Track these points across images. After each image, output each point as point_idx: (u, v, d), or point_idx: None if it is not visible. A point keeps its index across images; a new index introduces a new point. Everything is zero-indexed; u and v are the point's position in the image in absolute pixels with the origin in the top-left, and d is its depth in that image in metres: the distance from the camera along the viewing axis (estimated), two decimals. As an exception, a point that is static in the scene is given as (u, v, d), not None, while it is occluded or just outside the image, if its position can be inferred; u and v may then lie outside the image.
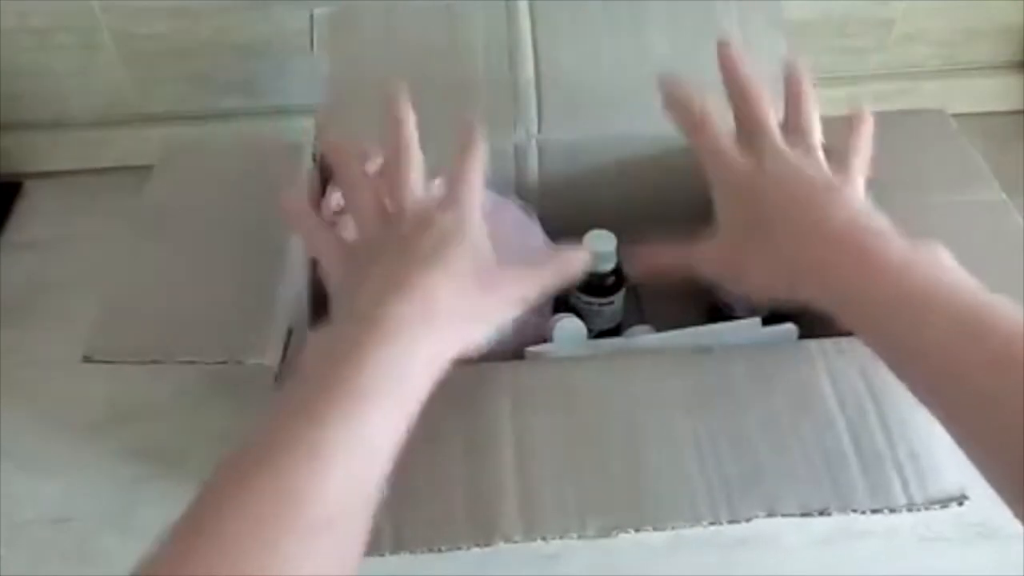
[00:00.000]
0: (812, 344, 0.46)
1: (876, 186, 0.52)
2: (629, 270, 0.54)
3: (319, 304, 0.52)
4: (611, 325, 0.62)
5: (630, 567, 0.55)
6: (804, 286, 0.41)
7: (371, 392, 0.35)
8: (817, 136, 0.46)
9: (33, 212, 0.79)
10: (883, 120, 0.57)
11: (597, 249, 0.58)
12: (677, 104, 0.48)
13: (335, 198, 0.54)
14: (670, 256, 0.49)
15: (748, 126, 0.46)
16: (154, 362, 0.45)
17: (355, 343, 0.36)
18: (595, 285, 0.60)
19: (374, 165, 0.55)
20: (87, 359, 0.45)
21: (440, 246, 0.40)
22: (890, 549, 0.55)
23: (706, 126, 0.46)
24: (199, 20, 0.74)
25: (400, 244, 0.41)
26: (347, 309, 0.39)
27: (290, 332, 0.46)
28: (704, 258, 0.47)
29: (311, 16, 0.56)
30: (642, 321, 0.63)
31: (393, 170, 0.45)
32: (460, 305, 0.39)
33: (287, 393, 0.36)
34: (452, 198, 0.44)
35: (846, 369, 0.44)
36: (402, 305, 0.37)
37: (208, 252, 0.49)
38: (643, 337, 0.57)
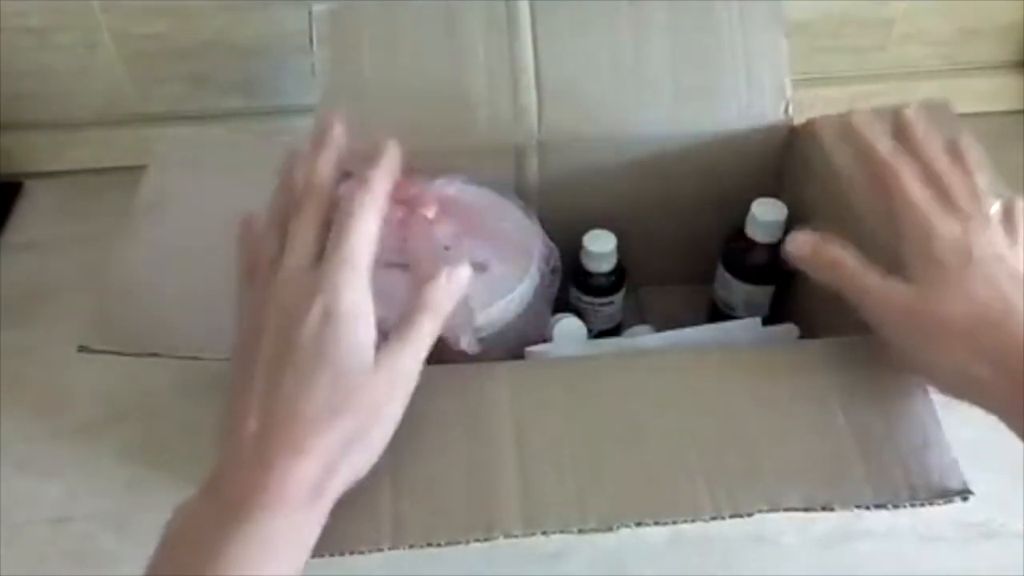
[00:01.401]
0: (812, 344, 0.46)
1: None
2: (793, 248, 0.45)
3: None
4: (611, 325, 0.62)
5: (631, 566, 0.55)
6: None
7: None
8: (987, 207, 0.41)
9: (33, 212, 0.79)
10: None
11: (597, 249, 0.58)
12: (809, 259, 0.44)
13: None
14: (850, 265, 0.43)
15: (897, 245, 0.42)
16: (151, 355, 0.45)
17: (218, 532, 0.33)
18: (595, 285, 0.60)
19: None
20: (83, 349, 0.45)
21: (309, 362, 0.36)
22: (890, 549, 0.55)
23: (840, 266, 0.43)
24: (199, 20, 0.74)
25: (274, 347, 0.37)
26: (216, 467, 0.36)
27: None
28: (884, 299, 0.41)
29: (310, 13, 0.56)
30: (642, 321, 0.63)
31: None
32: (335, 451, 0.36)
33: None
34: (332, 252, 0.38)
35: (847, 367, 0.44)
36: (263, 494, 0.34)
37: (207, 250, 0.49)
38: (643, 337, 0.57)
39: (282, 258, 0.39)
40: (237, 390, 0.37)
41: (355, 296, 0.37)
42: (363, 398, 0.36)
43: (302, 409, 0.35)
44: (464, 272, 0.41)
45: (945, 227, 0.40)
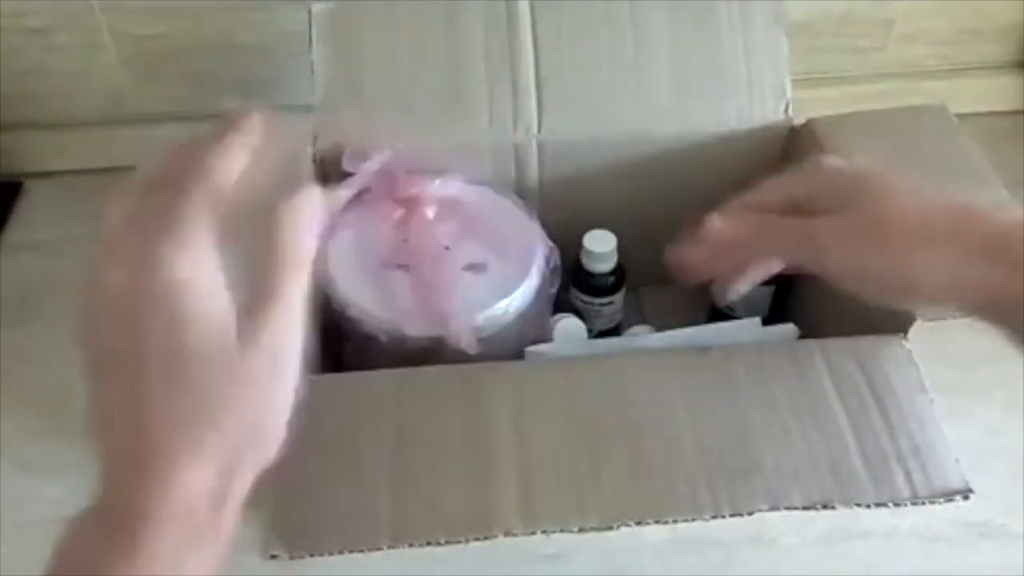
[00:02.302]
0: (812, 343, 0.46)
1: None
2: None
3: (319, 304, 0.52)
4: (611, 325, 0.62)
5: (631, 567, 0.55)
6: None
7: None
8: None
9: (33, 212, 0.79)
10: (884, 116, 0.57)
11: (597, 249, 0.58)
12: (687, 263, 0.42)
13: (335, 197, 0.54)
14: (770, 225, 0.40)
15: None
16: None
17: (104, 552, 0.31)
18: (595, 285, 0.60)
19: (376, 164, 0.55)
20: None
21: (162, 357, 0.31)
22: (890, 549, 0.55)
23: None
24: (199, 20, 0.74)
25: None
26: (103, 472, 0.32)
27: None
28: (836, 231, 0.38)
29: (309, 12, 0.56)
30: (642, 321, 0.63)
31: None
32: (225, 452, 0.31)
33: None
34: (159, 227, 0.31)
35: (846, 366, 0.44)
36: (154, 505, 0.31)
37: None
38: (643, 337, 0.57)
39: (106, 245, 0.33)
40: (95, 427, 0.33)
41: (191, 269, 0.30)
42: (235, 385, 0.31)
43: (171, 412, 0.30)
44: (314, 193, 0.33)
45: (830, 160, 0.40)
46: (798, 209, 0.40)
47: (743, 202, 0.42)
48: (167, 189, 0.32)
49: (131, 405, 0.32)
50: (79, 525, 0.32)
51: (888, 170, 0.40)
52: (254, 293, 0.32)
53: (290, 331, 0.32)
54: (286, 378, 0.32)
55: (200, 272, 0.31)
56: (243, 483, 0.32)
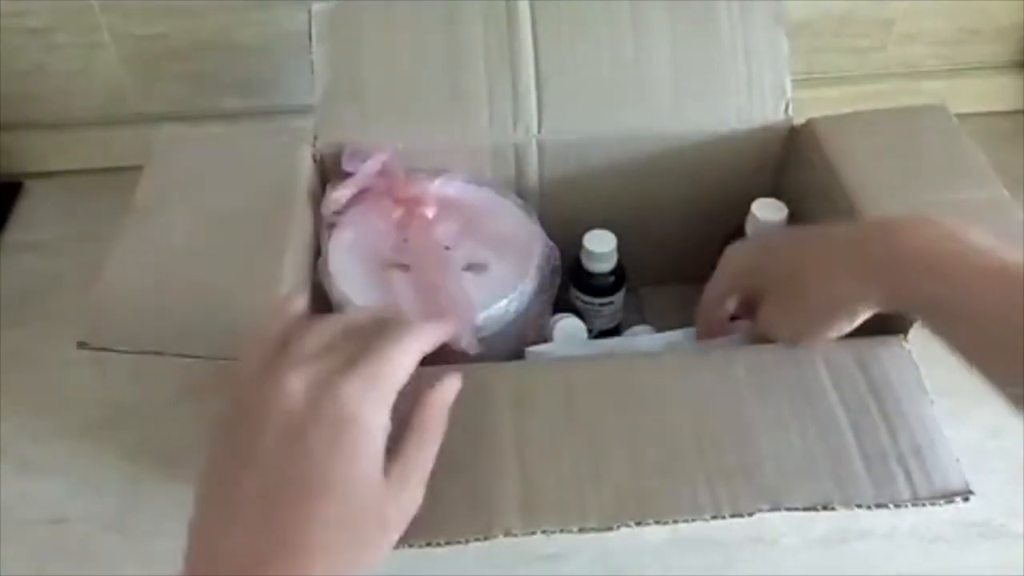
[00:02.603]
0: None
1: (878, 183, 0.52)
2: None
3: (319, 304, 0.52)
4: (611, 325, 0.62)
5: (630, 567, 0.55)
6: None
7: None
8: None
9: (33, 212, 0.79)
10: (884, 116, 0.57)
11: (597, 249, 0.58)
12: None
13: (335, 198, 0.54)
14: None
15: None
16: (152, 353, 0.44)
17: None
18: (595, 285, 0.60)
19: (376, 163, 0.55)
20: (82, 345, 0.45)
21: (316, 483, 0.31)
22: (890, 550, 0.55)
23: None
24: (199, 20, 0.74)
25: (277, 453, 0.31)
26: None
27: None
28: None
29: (309, 11, 0.56)
30: (642, 321, 0.63)
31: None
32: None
33: None
34: (364, 365, 0.33)
35: (846, 366, 0.44)
36: None
37: (206, 251, 0.49)
38: (643, 337, 0.57)
39: (284, 357, 0.33)
40: (217, 512, 0.32)
41: (378, 416, 0.33)
42: (372, 526, 0.33)
43: (303, 541, 0.30)
44: (454, 384, 0.38)
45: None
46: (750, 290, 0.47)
47: (704, 312, 0.50)
48: (373, 335, 0.35)
49: (261, 526, 0.31)
50: None
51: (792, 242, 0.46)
52: (400, 455, 0.34)
53: (417, 503, 0.35)
54: (403, 528, 0.35)
55: (378, 420, 0.33)
56: None
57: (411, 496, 0.35)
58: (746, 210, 0.56)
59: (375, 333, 0.35)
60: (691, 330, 0.51)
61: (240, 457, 0.32)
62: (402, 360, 0.34)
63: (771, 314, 0.45)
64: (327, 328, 0.35)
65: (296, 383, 0.32)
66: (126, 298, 0.47)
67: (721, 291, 0.48)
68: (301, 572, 0.30)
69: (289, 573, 0.30)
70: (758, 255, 0.47)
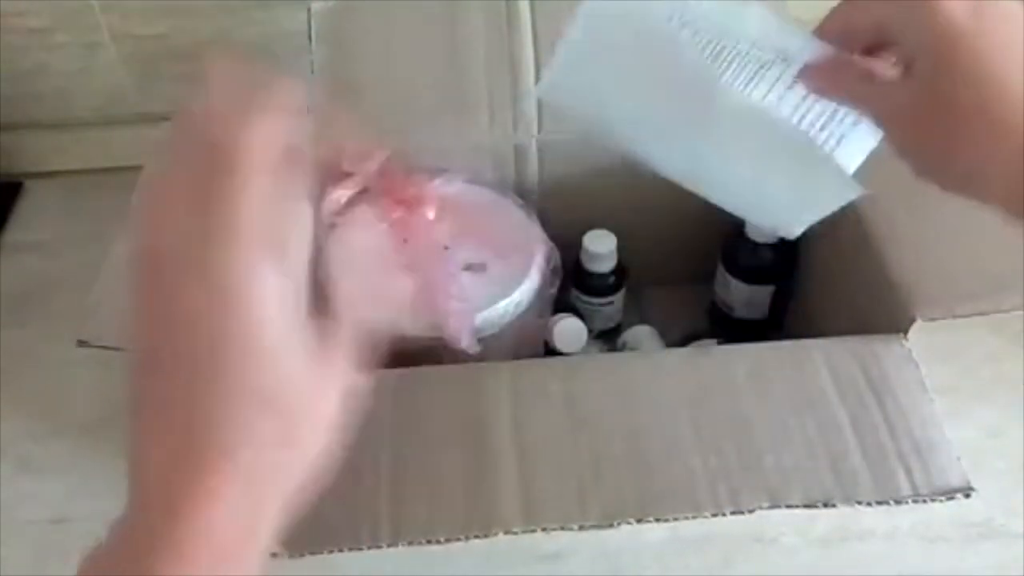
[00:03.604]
0: (812, 343, 0.46)
1: (878, 182, 0.52)
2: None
3: (319, 304, 0.52)
4: (611, 325, 0.62)
5: (630, 566, 0.55)
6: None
7: None
8: None
9: (33, 212, 0.79)
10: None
11: (597, 249, 0.58)
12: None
13: (335, 198, 0.54)
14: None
15: None
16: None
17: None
18: (595, 285, 0.60)
19: (374, 164, 0.55)
20: (82, 344, 0.45)
21: (211, 366, 0.27)
22: (890, 549, 0.55)
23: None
24: (199, 20, 0.74)
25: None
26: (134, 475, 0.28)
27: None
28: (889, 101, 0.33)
29: (309, 11, 0.56)
30: (642, 321, 0.63)
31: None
32: (261, 477, 0.27)
33: None
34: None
35: (847, 366, 0.44)
36: (173, 550, 0.26)
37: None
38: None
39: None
40: (139, 404, 0.29)
41: (253, 272, 0.27)
42: (292, 401, 0.28)
43: (217, 429, 0.27)
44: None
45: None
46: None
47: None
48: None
49: (173, 419, 0.27)
50: (95, 560, 0.29)
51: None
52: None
53: (352, 357, 0.31)
54: (337, 401, 0.30)
55: (264, 272, 0.28)
56: (274, 513, 0.28)
57: (339, 367, 0.30)
58: (746, 210, 0.57)
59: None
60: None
61: (144, 344, 0.29)
62: (247, 183, 0.27)
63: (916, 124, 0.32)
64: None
65: (162, 272, 0.28)
66: (126, 297, 0.47)
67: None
68: (213, 472, 0.26)
69: (200, 473, 0.26)
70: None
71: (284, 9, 0.73)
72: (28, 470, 0.60)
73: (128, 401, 0.29)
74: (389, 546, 0.38)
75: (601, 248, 0.58)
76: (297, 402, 0.28)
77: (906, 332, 0.46)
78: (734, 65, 0.35)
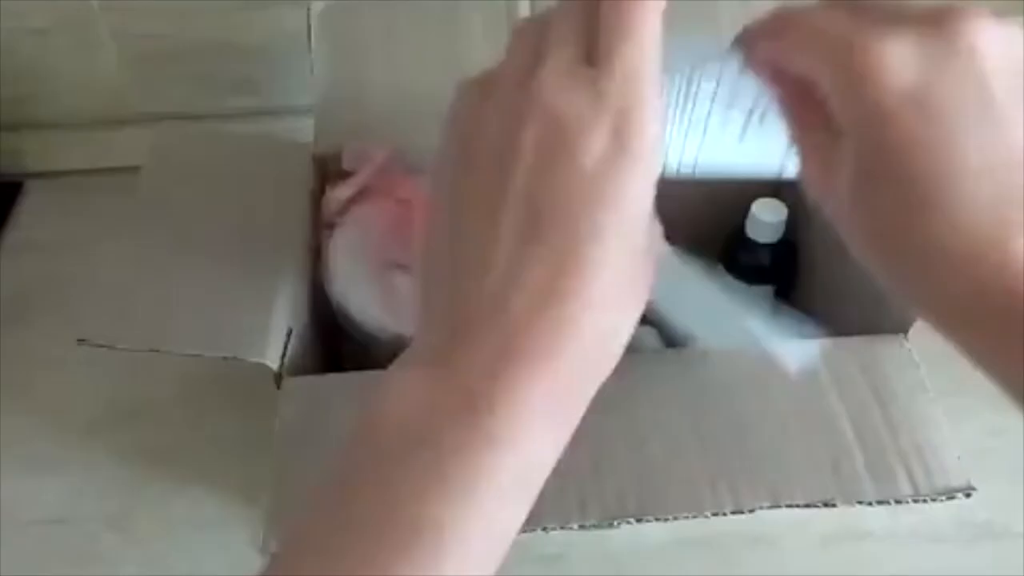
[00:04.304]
0: (812, 343, 0.46)
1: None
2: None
3: (319, 304, 0.52)
4: (611, 325, 0.62)
5: (631, 567, 0.55)
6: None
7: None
8: None
9: (33, 212, 0.79)
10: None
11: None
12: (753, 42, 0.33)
13: (335, 198, 0.54)
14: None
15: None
16: (152, 351, 0.44)
17: (455, 449, 0.25)
18: (595, 285, 0.60)
19: (376, 164, 0.55)
20: (82, 342, 0.45)
21: (600, 182, 0.25)
22: (891, 549, 0.55)
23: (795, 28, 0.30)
24: (199, 20, 0.74)
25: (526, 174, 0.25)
26: (434, 334, 0.27)
27: (289, 332, 0.46)
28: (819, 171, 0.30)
29: (308, 11, 0.56)
30: (642, 321, 0.63)
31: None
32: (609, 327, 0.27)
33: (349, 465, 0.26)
34: (610, 65, 0.25)
35: (847, 366, 0.44)
36: (529, 388, 0.26)
37: (207, 251, 0.49)
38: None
39: (540, 63, 0.26)
40: (469, 236, 0.26)
41: (654, 128, 0.25)
42: (640, 277, 0.27)
43: (583, 268, 0.25)
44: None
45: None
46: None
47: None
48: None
49: (524, 255, 0.25)
50: (407, 385, 0.27)
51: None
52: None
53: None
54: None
55: (658, 132, 0.26)
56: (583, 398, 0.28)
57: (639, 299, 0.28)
58: (746, 210, 0.56)
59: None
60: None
61: (486, 175, 0.28)
62: (644, 37, 0.27)
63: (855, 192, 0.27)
64: (568, 16, 0.27)
65: (553, 96, 0.26)
66: (126, 296, 0.47)
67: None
68: (568, 318, 0.26)
69: (557, 316, 0.26)
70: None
71: (284, 9, 0.73)
72: (28, 470, 0.60)
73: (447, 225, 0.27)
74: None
75: (601, 248, 0.58)
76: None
77: (906, 332, 0.46)
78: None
